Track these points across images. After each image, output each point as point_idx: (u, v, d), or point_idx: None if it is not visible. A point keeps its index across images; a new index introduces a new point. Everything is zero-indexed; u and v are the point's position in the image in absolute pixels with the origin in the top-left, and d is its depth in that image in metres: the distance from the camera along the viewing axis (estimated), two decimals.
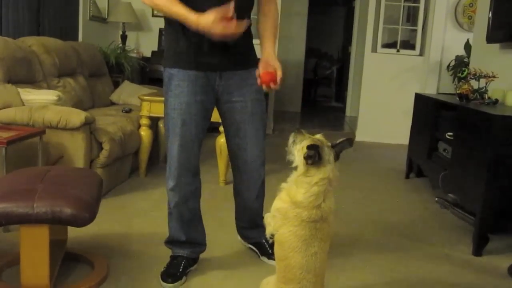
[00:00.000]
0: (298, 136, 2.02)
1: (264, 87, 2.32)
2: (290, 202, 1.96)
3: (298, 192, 1.94)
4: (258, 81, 2.31)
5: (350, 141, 2.07)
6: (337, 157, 1.99)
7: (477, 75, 4.00)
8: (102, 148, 3.69)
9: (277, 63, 2.35)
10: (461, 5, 6.66)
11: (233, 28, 2.11)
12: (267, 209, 2.13)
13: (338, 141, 2.02)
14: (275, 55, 2.43)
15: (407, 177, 5.01)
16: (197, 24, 2.13)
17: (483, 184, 3.04)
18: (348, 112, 9.51)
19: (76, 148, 3.48)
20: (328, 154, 1.95)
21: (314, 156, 1.90)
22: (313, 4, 10.04)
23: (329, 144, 1.99)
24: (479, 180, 3.12)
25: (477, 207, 3.13)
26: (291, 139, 2.03)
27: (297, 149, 1.97)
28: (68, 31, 5.44)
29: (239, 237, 2.90)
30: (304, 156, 1.92)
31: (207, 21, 2.09)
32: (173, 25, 2.31)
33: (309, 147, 1.91)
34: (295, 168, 1.98)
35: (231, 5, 2.10)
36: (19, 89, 3.69)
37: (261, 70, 2.33)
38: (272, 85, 2.30)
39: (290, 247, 1.96)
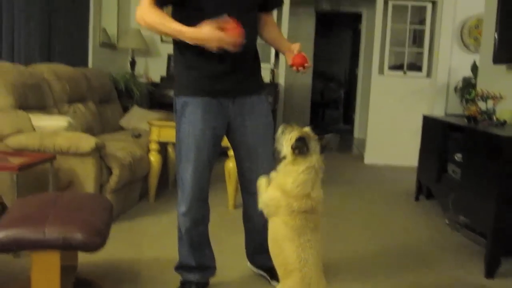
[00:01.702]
0: (288, 128, 2.14)
1: (296, 68, 2.41)
2: (280, 191, 2.07)
3: (287, 182, 2.06)
4: (293, 65, 2.41)
5: (336, 137, 2.24)
6: (322, 150, 2.12)
7: (485, 96, 4.00)
8: (111, 173, 3.71)
9: (298, 47, 2.45)
10: (467, 26, 6.70)
11: (232, 35, 2.12)
12: None
13: (324, 136, 2.15)
14: (290, 44, 2.53)
15: (417, 199, 4.98)
16: (193, 37, 2.15)
17: (494, 206, 3.03)
18: (356, 134, 9.52)
19: (86, 174, 3.50)
20: (314, 145, 2.08)
21: (301, 147, 2.03)
22: (319, 27, 10.13)
23: (316, 137, 2.12)
24: (489, 202, 3.10)
25: (488, 229, 3.11)
26: (280, 130, 2.16)
27: (286, 139, 2.10)
28: (78, 58, 5.51)
29: (248, 263, 2.89)
30: (292, 146, 2.04)
31: (204, 32, 2.11)
32: (184, 54, 2.34)
33: (297, 139, 2.04)
34: (283, 158, 2.11)
35: (225, 16, 2.13)
36: (30, 115, 3.73)
37: (290, 58, 2.44)
38: (306, 65, 2.40)
39: (283, 237, 2.06)
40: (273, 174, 2.19)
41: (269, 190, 2.16)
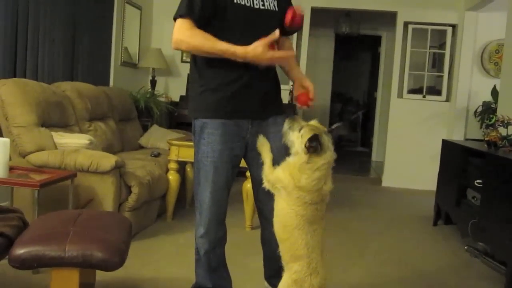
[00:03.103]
0: (294, 123, 2.16)
1: (300, 106, 2.46)
2: (293, 184, 2.10)
3: (302, 178, 2.08)
4: (296, 102, 2.48)
5: (343, 125, 2.29)
6: (333, 142, 2.14)
7: (505, 122, 3.98)
8: (131, 192, 3.74)
9: (309, 83, 2.50)
10: (487, 51, 6.68)
11: (281, 53, 2.26)
12: None
13: (333, 126, 2.18)
14: (304, 76, 2.58)
15: (435, 224, 4.93)
16: (245, 55, 2.20)
17: None
18: (374, 157, 9.47)
19: (105, 192, 3.54)
20: (327, 140, 2.09)
21: (316, 147, 2.04)
22: (338, 50, 10.16)
23: (326, 130, 2.13)
24: (510, 229, 3.07)
25: (508, 257, 3.07)
26: (286, 125, 2.19)
27: (296, 137, 2.12)
28: (100, 76, 5.60)
29: (266, 283, 2.87)
30: (305, 145, 2.05)
31: (257, 51, 2.17)
32: (203, 76, 2.36)
33: (310, 139, 2.04)
34: (294, 153, 2.13)
35: (276, 33, 2.21)
36: (53, 133, 3.79)
37: (296, 92, 2.51)
38: (309, 103, 2.44)
39: (294, 225, 2.11)
40: (285, 161, 2.21)
41: (280, 173, 2.18)
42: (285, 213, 2.15)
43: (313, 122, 2.16)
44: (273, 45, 2.26)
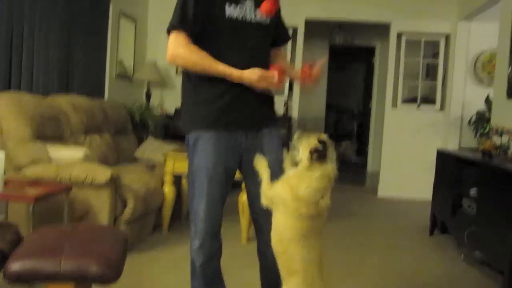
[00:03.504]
0: (304, 133, 2.16)
1: (303, 81, 2.47)
2: (291, 194, 2.08)
3: (300, 186, 2.07)
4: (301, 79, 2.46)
5: (353, 145, 2.32)
6: (339, 158, 2.14)
7: (499, 131, 4.00)
8: (126, 205, 3.73)
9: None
10: (480, 60, 6.72)
11: (276, 81, 2.23)
12: None
13: (341, 143, 2.20)
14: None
15: (431, 233, 4.94)
16: (241, 80, 2.23)
17: (510, 242, 3.00)
18: (370, 167, 9.47)
19: (101, 205, 3.53)
20: (331, 153, 2.10)
21: (321, 152, 2.04)
22: (333, 61, 10.21)
23: (333, 144, 2.14)
24: (506, 237, 3.07)
25: (504, 265, 3.07)
26: (296, 135, 2.18)
27: (303, 144, 2.11)
28: (95, 89, 5.60)
29: None
30: (310, 150, 2.05)
31: (252, 78, 2.21)
32: (196, 89, 2.36)
33: (320, 142, 2.06)
34: (297, 163, 2.12)
35: (276, 70, 2.22)
36: (47, 146, 3.78)
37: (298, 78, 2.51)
38: (313, 76, 2.43)
39: (290, 239, 2.10)
40: (285, 175, 2.21)
41: (278, 187, 2.17)
42: (282, 227, 2.15)
43: (323, 136, 2.17)
44: (283, 72, 2.30)
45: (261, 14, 2.37)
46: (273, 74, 2.21)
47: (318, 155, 2.06)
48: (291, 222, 2.10)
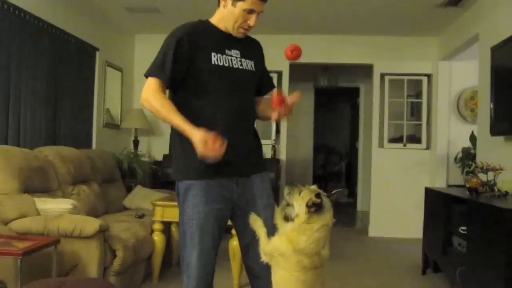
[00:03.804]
0: (294, 188, 2.18)
1: (278, 112, 2.42)
2: (292, 248, 2.09)
3: (301, 239, 2.08)
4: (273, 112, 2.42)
5: (344, 192, 2.32)
6: (332, 206, 2.15)
7: (485, 168, 4.04)
8: (115, 255, 3.69)
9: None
10: (463, 98, 6.83)
11: (213, 152, 2.18)
12: None
13: (333, 192, 2.20)
14: None
15: (424, 273, 4.91)
16: (190, 137, 2.22)
17: (502, 279, 2.99)
18: (359, 207, 9.48)
19: (90, 256, 3.48)
20: (327, 202, 2.12)
21: (318, 205, 2.06)
22: (318, 102, 10.34)
23: (325, 194, 2.16)
24: (497, 274, 3.07)
25: None
26: (286, 191, 2.21)
27: (296, 199, 2.13)
28: (82, 138, 5.62)
29: None
30: (307, 204, 2.06)
31: (196, 137, 2.19)
32: (184, 139, 2.38)
33: (316, 195, 2.07)
34: (294, 218, 2.13)
35: (224, 140, 2.19)
36: (35, 198, 3.76)
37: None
38: (285, 105, 2.41)
39: None
40: (282, 229, 2.22)
41: (277, 242, 2.17)
42: (286, 281, 2.14)
43: (313, 187, 2.19)
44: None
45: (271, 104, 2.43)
46: (215, 141, 2.16)
47: (316, 208, 2.08)
48: (296, 275, 2.10)
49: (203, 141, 2.16)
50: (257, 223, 2.32)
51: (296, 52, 2.48)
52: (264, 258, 2.24)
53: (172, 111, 2.27)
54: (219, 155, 2.18)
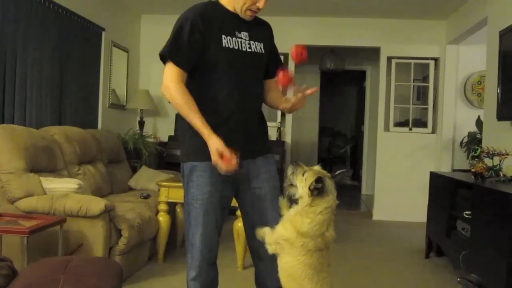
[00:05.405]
0: (297, 168, 2.16)
1: (283, 85, 2.44)
2: (296, 232, 2.09)
3: (304, 222, 2.08)
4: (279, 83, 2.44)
5: (348, 173, 2.31)
6: (336, 187, 2.14)
7: (490, 153, 4.03)
8: (121, 235, 3.72)
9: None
10: (470, 83, 6.79)
11: (226, 166, 2.18)
12: None
13: (336, 173, 2.19)
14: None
15: (427, 256, 4.93)
16: (207, 141, 2.23)
17: (506, 264, 3.00)
18: (364, 190, 9.48)
19: (95, 236, 3.51)
20: (330, 184, 2.10)
21: (321, 188, 2.06)
22: (325, 85, 10.29)
23: (329, 175, 2.15)
24: (501, 259, 3.08)
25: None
26: (290, 171, 2.19)
27: (299, 180, 2.12)
28: (88, 119, 5.63)
29: None
30: (310, 188, 2.06)
31: (213, 145, 2.20)
32: None
33: (317, 180, 2.06)
34: (298, 199, 2.13)
35: (238, 156, 2.19)
36: (41, 178, 3.78)
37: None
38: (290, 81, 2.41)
39: (303, 276, 2.10)
40: (286, 214, 2.23)
41: (281, 229, 2.18)
42: (292, 265, 2.14)
43: (316, 167, 2.18)
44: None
45: (277, 85, 2.44)
46: (231, 156, 2.16)
47: (318, 191, 2.07)
48: (302, 259, 2.10)
49: (219, 153, 2.17)
50: (261, 231, 2.31)
51: (302, 55, 2.45)
52: (269, 248, 2.24)
53: (194, 110, 2.26)
54: (232, 170, 2.19)
